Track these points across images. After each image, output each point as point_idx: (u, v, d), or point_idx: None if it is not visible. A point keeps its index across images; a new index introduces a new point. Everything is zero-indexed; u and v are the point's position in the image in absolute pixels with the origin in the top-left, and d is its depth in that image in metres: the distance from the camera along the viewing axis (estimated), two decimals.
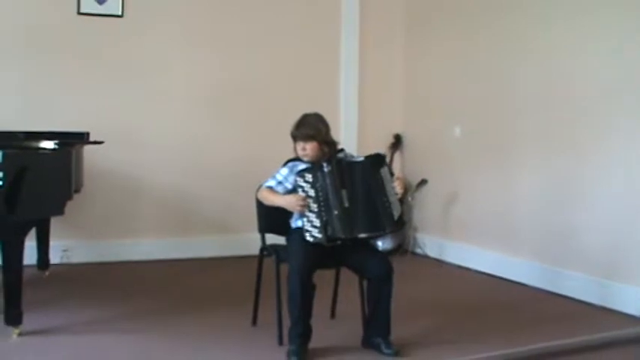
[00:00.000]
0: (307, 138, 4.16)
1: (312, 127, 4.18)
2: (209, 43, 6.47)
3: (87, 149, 5.24)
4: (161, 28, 6.33)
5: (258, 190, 4.29)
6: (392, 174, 4.22)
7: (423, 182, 6.70)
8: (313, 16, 6.84)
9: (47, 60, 5.98)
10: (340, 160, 4.16)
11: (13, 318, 4.13)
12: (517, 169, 5.85)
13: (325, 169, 4.05)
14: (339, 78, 6.94)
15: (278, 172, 4.26)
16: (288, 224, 4.28)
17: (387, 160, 6.80)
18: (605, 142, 5.11)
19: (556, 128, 5.49)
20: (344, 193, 4.02)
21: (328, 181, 4.03)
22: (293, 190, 4.16)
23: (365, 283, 4.19)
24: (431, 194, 6.67)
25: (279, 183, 4.21)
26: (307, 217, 4.04)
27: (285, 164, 4.28)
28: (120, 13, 6.15)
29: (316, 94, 6.61)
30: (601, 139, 5.13)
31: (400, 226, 4.19)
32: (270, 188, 4.21)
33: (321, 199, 4.03)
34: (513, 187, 5.89)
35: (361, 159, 4.24)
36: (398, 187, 4.13)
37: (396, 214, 4.07)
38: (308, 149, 4.17)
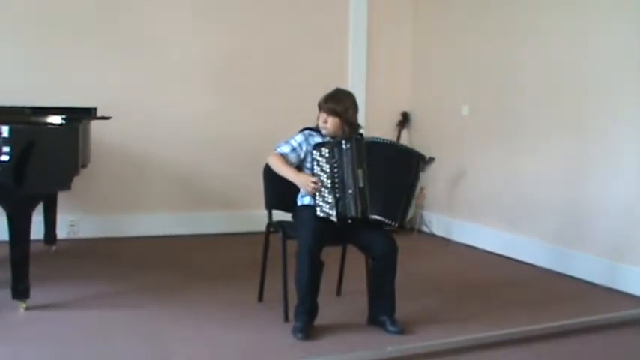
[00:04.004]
0: (332, 113, 4.13)
1: (340, 104, 4.15)
2: (218, 17, 6.44)
3: (94, 125, 5.23)
4: (171, 1, 6.30)
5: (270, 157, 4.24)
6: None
7: (431, 160, 6.64)
8: None
9: (55, 35, 5.96)
10: (360, 140, 4.11)
11: (21, 292, 4.16)
12: (525, 149, 5.83)
13: (344, 147, 4.02)
14: (348, 55, 6.92)
15: (293, 138, 4.22)
16: (295, 201, 4.28)
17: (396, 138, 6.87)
18: (615, 123, 5.07)
19: (566, 107, 5.45)
20: (360, 173, 4.00)
21: (345, 159, 4.01)
22: (304, 160, 4.16)
23: (370, 260, 4.19)
24: (438, 172, 6.64)
25: (293, 150, 4.18)
26: (320, 191, 4.03)
27: (301, 131, 4.25)
28: None
29: (325, 71, 6.61)
30: (611, 119, 5.10)
31: (404, 225, 4.16)
32: (283, 155, 4.18)
33: (336, 175, 4.01)
34: (521, 166, 5.87)
35: (409, 147, 4.28)
36: (420, 198, 4.14)
37: (409, 216, 4.08)
38: (329, 123, 4.15)
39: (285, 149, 4.19)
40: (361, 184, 4.00)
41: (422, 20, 7.03)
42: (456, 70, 6.58)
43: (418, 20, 7.07)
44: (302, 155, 4.18)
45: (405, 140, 6.97)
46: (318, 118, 4.21)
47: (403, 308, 4.16)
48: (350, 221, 4.03)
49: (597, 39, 5.19)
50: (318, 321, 4.02)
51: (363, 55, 6.92)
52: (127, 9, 6.15)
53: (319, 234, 3.95)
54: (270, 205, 4.40)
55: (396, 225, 4.05)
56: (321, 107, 4.18)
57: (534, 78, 5.72)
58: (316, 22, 6.79)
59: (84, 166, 4.86)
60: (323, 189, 4.03)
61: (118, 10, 6.12)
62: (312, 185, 4.02)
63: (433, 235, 6.69)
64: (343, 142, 4.03)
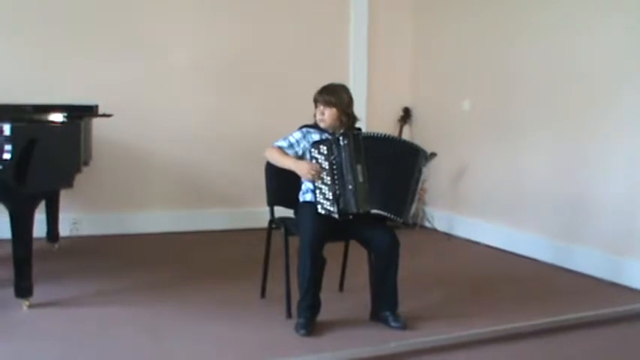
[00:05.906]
0: (328, 104, 4.15)
1: (335, 94, 4.18)
2: (219, 15, 6.44)
3: (96, 122, 5.24)
4: (172, 0, 6.30)
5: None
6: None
7: (432, 155, 6.65)
8: None
9: (56, 32, 5.95)
10: (357, 135, 4.10)
11: (24, 290, 4.16)
12: (526, 143, 5.82)
13: (341, 143, 4.02)
14: (349, 51, 6.92)
15: (291, 134, 4.23)
16: (297, 197, 4.28)
17: (397, 131, 6.86)
18: (615, 117, 5.07)
19: (566, 102, 5.45)
20: (359, 168, 4.00)
21: (344, 155, 4.00)
22: (303, 157, 4.16)
23: (372, 256, 4.19)
24: (440, 168, 6.64)
25: (291, 146, 4.18)
26: (320, 189, 4.03)
27: (300, 129, 4.25)
28: None
29: (325, 67, 6.60)
30: (611, 113, 5.09)
31: (408, 222, 4.11)
32: (281, 148, 4.18)
33: (335, 172, 4.01)
34: (522, 161, 5.87)
35: (409, 142, 4.30)
36: (422, 193, 4.13)
37: (412, 210, 4.06)
38: (326, 115, 4.16)
39: (283, 143, 4.19)
40: (361, 179, 3.99)
41: (423, 15, 7.02)
42: (457, 65, 6.58)
43: (419, 15, 7.06)
44: (300, 152, 4.18)
45: (406, 136, 6.95)
46: (315, 115, 4.22)
47: (406, 304, 4.16)
48: (351, 217, 4.02)
49: (598, 35, 5.18)
50: (321, 317, 4.02)
51: (364, 51, 6.92)
52: (128, 8, 6.14)
53: (321, 230, 3.95)
54: (273, 202, 4.39)
55: (401, 221, 4.05)
56: (316, 100, 4.21)
57: (535, 73, 5.72)
58: (317, 18, 6.78)
59: (86, 163, 4.86)
60: (323, 186, 4.02)
61: (119, 8, 6.10)
62: (313, 171, 4.01)
63: (435, 231, 6.69)
64: (340, 138, 4.04)
